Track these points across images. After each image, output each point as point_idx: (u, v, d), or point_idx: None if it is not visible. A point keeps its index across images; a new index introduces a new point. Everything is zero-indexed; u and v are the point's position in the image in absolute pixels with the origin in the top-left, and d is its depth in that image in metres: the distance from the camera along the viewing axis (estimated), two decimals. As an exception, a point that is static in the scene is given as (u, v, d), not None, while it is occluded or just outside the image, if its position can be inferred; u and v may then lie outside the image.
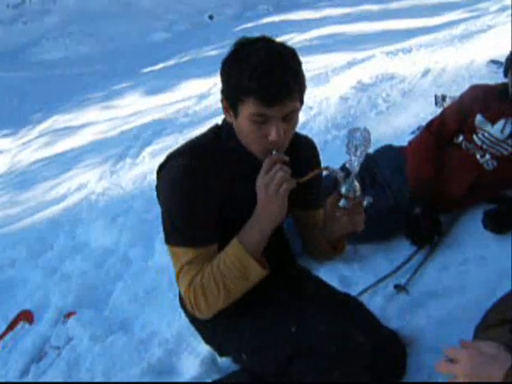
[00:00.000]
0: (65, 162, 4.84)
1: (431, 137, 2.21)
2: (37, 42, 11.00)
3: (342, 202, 1.19)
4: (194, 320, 1.45)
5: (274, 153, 1.14)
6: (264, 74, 1.08)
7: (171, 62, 8.24)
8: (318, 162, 1.40)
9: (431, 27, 6.40)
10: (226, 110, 1.21)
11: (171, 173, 1.22)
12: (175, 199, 1.20)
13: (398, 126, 3.30)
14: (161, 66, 8.16)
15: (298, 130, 1.27)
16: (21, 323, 2.27)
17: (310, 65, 5.16)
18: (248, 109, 1.12)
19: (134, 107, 6.22)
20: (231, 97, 1.16)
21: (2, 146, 6.34)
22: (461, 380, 0.86)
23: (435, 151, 2.18)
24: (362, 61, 5.08)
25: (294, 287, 1.45)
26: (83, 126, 6.15)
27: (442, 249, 2.06)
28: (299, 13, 9.70)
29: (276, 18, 9.62)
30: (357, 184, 1.16)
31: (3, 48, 11.01)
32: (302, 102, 1.19)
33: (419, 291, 1.86)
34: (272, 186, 1.10)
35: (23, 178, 4.79)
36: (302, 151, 1.35)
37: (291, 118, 1.16)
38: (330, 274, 1.94)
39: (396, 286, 1.89)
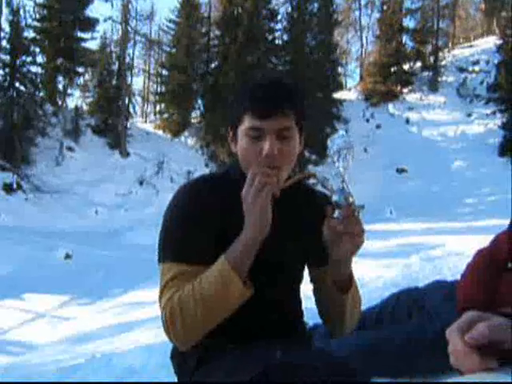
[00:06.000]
0: (129, 327, 4.87)
1: (483, 260, 2.02)
2: (134, 227, 12.12)
3: (336, 213, 1.09)
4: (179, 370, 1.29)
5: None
6: (258, 91, 1.18)
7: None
8: None
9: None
10: (231, 140, 1.27)
11: (179, 192, 1.25)
12: (177, 214, 1.21)
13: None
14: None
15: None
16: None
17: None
18: (244, 125, 1.18)
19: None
20: (233, 122, 1.23)
21: (74, 314, 6.53)
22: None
23: (487, 274, 1.97)
24: (435, 247, 5.02)
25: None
26: (155, 301, 6.28)
27: None
28: (381, 225, 9.98)
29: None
30: (348, 191, 1.09)
31: (105, 229, 12.28)
32: (299, 126, 1.20)
33: None
34: (251, 192, 1.07)
35: (85, 338, 4.82)
36: (316, 201, 1.32)
37: (286, 136, 1.17)
38: None
39: None
